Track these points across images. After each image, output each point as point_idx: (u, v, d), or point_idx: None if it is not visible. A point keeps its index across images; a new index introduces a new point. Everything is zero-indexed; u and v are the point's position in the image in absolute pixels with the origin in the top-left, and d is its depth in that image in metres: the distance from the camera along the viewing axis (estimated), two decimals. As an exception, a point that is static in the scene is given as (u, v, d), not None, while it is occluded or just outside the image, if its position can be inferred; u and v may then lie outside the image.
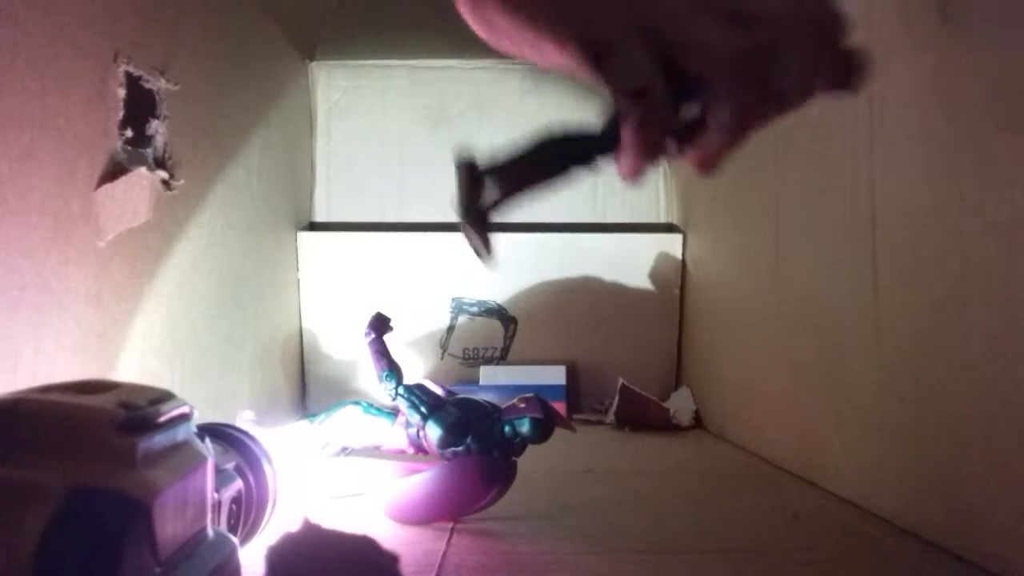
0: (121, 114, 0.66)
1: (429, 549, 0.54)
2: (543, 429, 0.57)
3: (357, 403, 0.68)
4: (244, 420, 0.85)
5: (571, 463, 0.85)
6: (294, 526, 0.38)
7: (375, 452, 0.69)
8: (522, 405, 0.58)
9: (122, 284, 0.67)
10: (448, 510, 0.59)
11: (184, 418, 0.33)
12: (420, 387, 0.63)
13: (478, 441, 0.58)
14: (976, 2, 0.49)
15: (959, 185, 0.50)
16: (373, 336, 0.66)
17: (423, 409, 0.61)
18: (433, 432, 0.59)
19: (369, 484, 0.65)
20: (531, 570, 0.51)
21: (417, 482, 0.59)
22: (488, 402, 0.60)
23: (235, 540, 0.37)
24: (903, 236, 0.58)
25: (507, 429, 0.58)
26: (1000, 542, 0.47)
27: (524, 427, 0.57)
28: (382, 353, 0.65)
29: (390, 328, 0.66)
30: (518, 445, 0.58)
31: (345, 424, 0.68)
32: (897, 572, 0.51)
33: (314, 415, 0.73)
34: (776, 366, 0.85)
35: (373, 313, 0.67)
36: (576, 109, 1.36)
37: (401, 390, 0.63)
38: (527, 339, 1.26)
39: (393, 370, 0.64)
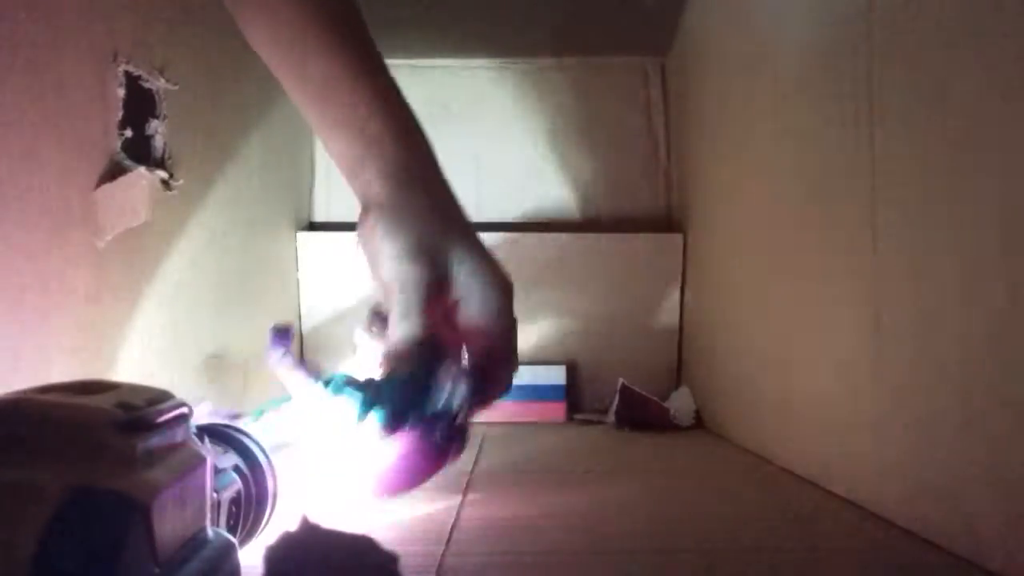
0: (121, 114, 0.66)
1: (429, 549, 0.54)
2: (476, 399, 0.53)
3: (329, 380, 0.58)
4: (203, 411, 0.82)
5: (571, 463, 0.85)
6: (294, 526, 0.39)
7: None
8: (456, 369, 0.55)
9: (122, 284, 0.67)
10: (407, 483, 0.57)
11: (183, 418, 0.33)
12: (351, 379, 0.59)
13: (421, 419, 0.55)
14: (975, 2, 0.49)
15: (959, 184, 0.50)
16: (284, 351, 0.60)
17: (367, 398, 0.54)
18: (376, 419, 0.56)
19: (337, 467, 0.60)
20: (531, 570, 0.51)
21: (383, 457, 0.56)
22: (421, 372, 0.57)
23: (234, 540, 0.37)
24: (903, 235, 0.58)
25: (446, 401, 0.55)
26: (1000, 542, 0.47)
27: (458, 399, 0.53)
28: (299, 364, 0.60)
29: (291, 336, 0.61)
30: (461, 415, 0.56)
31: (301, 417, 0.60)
32: (897, 572, 0.51)
33: (257, 411, 0.66)
34: (776, 366, 0.85)
35: (273, 329, 0.61)
36: (573, 108, 1.36)
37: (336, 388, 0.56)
38: (527, 339, 1.26)
39: (322, 375, 0.58)
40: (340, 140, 0.51)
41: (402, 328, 0.48)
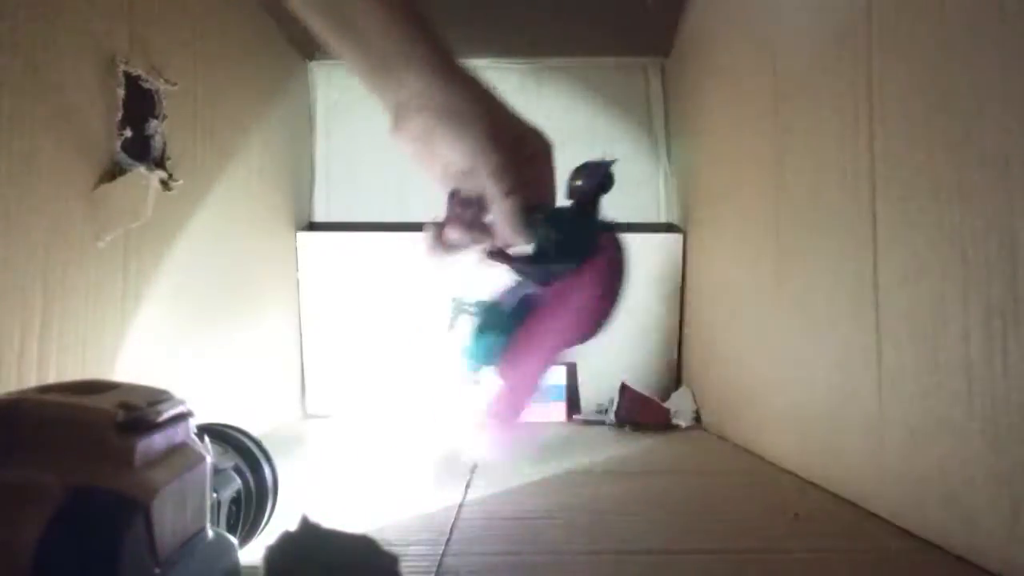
0: (121, 114, 0.66)
1: (429, 550, 0.54)
2: (600, 180, 0.53)
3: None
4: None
5: (571, 463, 0.85)
6: (294, 526, 0.39)
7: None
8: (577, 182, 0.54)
9: (122, 284, 0.67)
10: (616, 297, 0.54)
11: (183, 418, 0.33)
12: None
13: (584, 243, 0.53)
14: (975, 2, 0.49)
15: (959, 184, 0.50)
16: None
17: (561, 239, 0.53)
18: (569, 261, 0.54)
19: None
20: (531, 570, 0.51)
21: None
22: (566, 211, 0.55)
23: (234, 540, 0.37)
24: (903, 236, 0.58)
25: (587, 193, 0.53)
26: (1000, 542, 0.47)
27: (583, 181, 0.53)
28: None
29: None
30: (594, 200, 0.54)
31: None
32: (897, 572, 0.51)
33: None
34: (776, 366, 0.85)
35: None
36: (574, 108, 1.36)
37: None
38: (527, 339, 1.26)
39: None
40: (370, 47, 0.50)
41: (514, 201, 0.50)
